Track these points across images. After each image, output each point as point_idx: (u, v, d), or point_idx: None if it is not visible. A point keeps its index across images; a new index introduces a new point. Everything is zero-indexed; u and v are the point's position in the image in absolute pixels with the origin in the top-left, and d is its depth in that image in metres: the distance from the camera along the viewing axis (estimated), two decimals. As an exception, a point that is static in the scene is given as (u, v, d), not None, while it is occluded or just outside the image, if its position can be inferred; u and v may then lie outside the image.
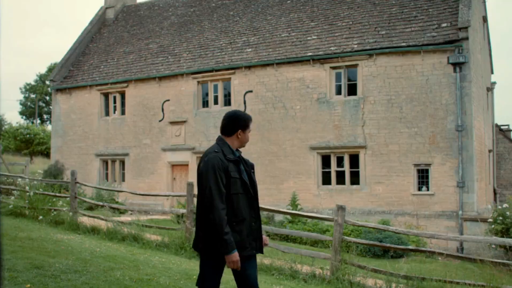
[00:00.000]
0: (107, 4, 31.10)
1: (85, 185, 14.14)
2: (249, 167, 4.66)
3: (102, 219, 12.83)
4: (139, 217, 12.79)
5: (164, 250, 11.34)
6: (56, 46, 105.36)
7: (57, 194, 13.98)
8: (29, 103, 67.69)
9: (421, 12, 19.97)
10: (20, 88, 67.75)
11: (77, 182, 13.38)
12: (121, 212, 18.04)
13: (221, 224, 4.21)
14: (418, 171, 18.74)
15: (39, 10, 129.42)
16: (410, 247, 9.20)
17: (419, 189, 18.72)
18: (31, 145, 44.21)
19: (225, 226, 4.21)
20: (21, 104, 67.71)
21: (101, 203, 13.64)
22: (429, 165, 18.48)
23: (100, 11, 30.94)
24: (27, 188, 14.33)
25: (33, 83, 68.41)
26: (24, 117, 67.74)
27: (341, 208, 10.08)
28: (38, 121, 66.12)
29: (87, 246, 9.99)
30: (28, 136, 43.74)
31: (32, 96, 68.16)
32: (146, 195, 12.45)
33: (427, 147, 18.50)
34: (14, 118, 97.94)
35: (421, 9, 20.11)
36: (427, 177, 18.61)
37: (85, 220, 13.19)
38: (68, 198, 13.83)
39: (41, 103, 68.28)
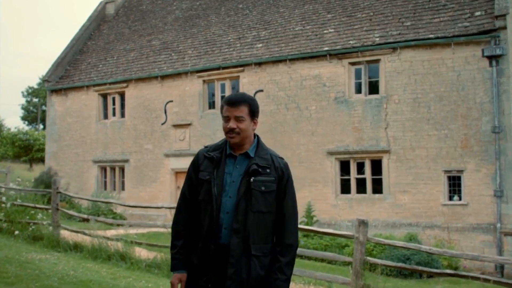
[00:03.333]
0: (107, -2, 30.15)
1: (68, 196, 12.99)
2: (249, 170, 3.58)
3: (86, 234, 11.64)
4: (127, 231, 11.59)
5: (155, 271, 10.11)
6: (61, 48, 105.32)
7: (37, 206, 12.83)
8: (31, 108, 67.05)
9: (451, 0, 18.70)
10: (22, 92, 67.16)
11: (59, 192, 12.22)
12: (118, 225, 16.88)
13: (171, 234, 3.78)
14: (449, 178, 17.44)
15: (44, 14, 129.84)
16: (447, 271, 7.90)
17: (450, 198, 17.41)
18: (30, 151, 43.33)
19: (175, 238, 3.72)
20: (22, 108, 67.07)
21: (85, 216, 12.46)
22: (461, 171, 17.18)
23: (99, 6, 30.01)
24: (3, 198, 13.20)
25: (36, 86, 67.74)
26: (26, 122, 67.08)
27: (362, 223, 8.82)
28: (41, 127, 65.37)
29: (60, 268, 8.80)
30: (27, 142, 42.87)
31: (35, 100, 67.49)
32: (134, 206, 11.26)
33: (459, 151, 17.21)
34: (16, 124, 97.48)
35: (451, -3, 18.87)
36: (459, 185, 17.30)
37: (68, 236, 12.03)
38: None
39: (44, 108, 67.58)
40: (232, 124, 3.59)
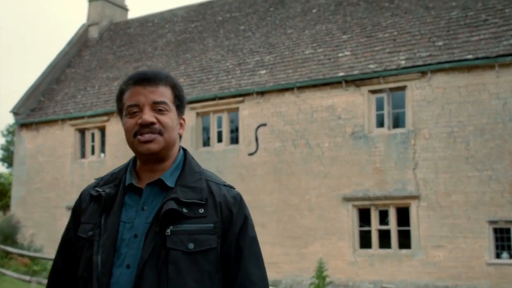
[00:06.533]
0: (90, 21, 29.28)
1: (7, 251, 11.26)
2: (160, 214, 2.14)
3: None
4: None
5: None
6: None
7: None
8: (11, 148, 66.27)
9: (493, 14, 17.73)
10: (2, 131, 66.49)
11: (-3, 245, 10.48)
12: None
13: None
14: (495, 230, 16.16)
15: (23, 43, 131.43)
16: None
17: (498, 256, 16.11)
18: (4, 197, 41.95)
19: None
20: (2, 149, 66.31)
21: (28, 278, 10.69)
22: (511, 222, 15.92)
23: (81, 29, 29.11)
24: None
25: (18, 125, 67.17)
26: (5, 164, 66.16)
27: (394, 293, 7.00)
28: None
29: None
30: (0, 186, 41.62)
31: (17, 140, 66.81)
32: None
33: (507, 197, 15.88)
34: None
35: (492, 10, 17.88)
36: (508, 239, 16.01)
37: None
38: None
39: (27, 149, 66.73)
40: (148, 116, 2.21)
